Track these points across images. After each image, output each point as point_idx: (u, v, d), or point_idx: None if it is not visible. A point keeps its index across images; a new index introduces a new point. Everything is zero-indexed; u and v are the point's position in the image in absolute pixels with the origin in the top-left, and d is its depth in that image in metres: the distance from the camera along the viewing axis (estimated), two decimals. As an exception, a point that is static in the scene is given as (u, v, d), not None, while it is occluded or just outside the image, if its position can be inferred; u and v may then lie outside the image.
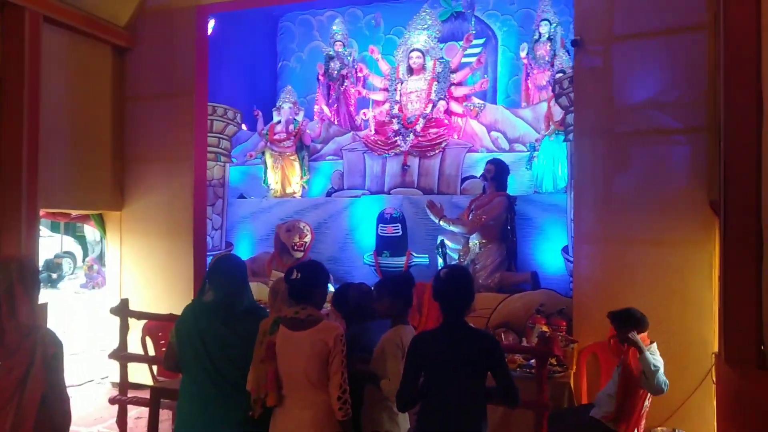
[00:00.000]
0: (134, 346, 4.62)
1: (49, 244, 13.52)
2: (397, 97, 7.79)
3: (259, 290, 6.00)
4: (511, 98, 9.10)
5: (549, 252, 6.15)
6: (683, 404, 3.89)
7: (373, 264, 6.68)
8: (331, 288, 5.96)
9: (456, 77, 7.78)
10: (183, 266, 5.43)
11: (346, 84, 9.02)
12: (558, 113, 6.41)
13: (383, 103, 8.07)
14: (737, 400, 3.09)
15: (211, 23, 6.86)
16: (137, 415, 4.73)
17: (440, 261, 6.29)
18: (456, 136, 7.67)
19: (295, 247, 6.50)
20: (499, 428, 3.68)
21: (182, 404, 2.70)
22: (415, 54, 7.70)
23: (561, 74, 6.76)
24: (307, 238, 6.60)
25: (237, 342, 2.59)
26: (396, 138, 7.52)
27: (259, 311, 2.79)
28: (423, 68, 7.72)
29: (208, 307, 2.65)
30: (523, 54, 8.43)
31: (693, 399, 3.92)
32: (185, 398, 2.68)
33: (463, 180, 7.29)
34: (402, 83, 7.82)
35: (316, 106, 9.17)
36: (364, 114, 8.41)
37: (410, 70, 7.78)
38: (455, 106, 7.74)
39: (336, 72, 9.02)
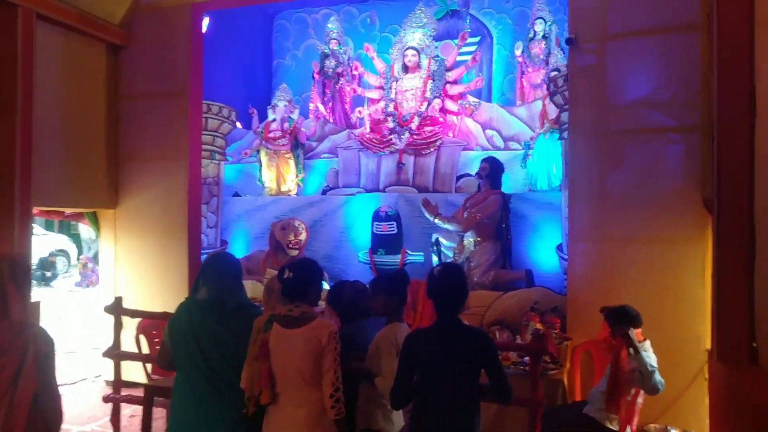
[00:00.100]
0: (128, 345, 4.61)
1: (44, 242, 13.47)
2: (393, 95, 7.80)
3: (254, 288, 6.00)
4: (506, 96, 9.12)
5: (543, 250, 6.17)
6: (676, 401, 3.90)
7: (368, 262, 6.68)
8: (325, 286, 5.98)
9: (451, 75, 7.79)
10: (177, 264, 5.42)
11: (341, 82, 9.02)
12: (553, 111, 6.43)
13: (378, 101, 8.08)
14: (730, 397, 3.11)
15: (206, 21, 6.85)
16: (131, 413, 4.72)
17: (435, 259, 6.30)
18: (451, 134, 7.67)
19: (290, 245, 6.49)
20: (494, 425, 3.69)
21: (176, 402, 2.70)
22: (410, 52, 7.70)
23: (556, 72, 6.77)
24: (302, 236, 6.60)
25: (231, 340, 2.59)
26: (391, 136, 7.52)
27: (252, 309, 2.79)
28: (418, 66, 7.72)
29: (202, 305, 2.64)
30: (518, 52, 8.45)
31: (686, 396, 3.94)
32: (179, 396, 2.68)
33: (458, 178, 7.30)
34: (397, 81, 7.82)
35: (311, 104, 9.16)
36: (360, 112, 8.41)
37: (405, 68, 7.79)
38: (450, 104, 7.75)
39: (331, 70, 9.01)
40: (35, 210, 5.10)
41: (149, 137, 5.59)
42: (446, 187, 7.25)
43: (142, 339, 4.60)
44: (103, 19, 5.42)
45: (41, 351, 2.34)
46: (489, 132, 7.74)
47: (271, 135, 7.94)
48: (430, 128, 7.46)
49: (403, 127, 7.47)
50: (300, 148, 8.09)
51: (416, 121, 7.46)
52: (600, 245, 4.39)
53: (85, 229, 13.41)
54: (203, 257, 5.75)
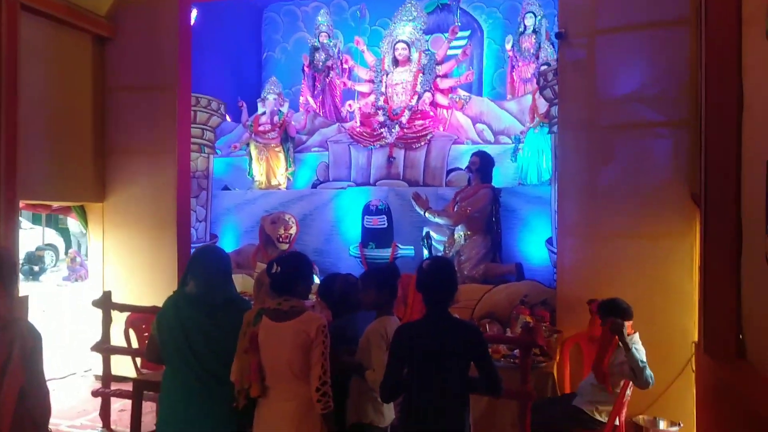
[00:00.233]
0: (117, 339, 4.58)
1: (31, 236, 13.32)
2: (383, 89, 7.77)
3: (244, 282, 5.99)
4: (497, 90, 9.13)
5: (533, 243, 6.20)
6: (664, 393, 3.94)
7: (358, 256, 6.68)
8: (316, 279, 5.98)
9: (441, 69, 7.78)
10: (167, 258, 5.38)
11: (331, 75, 8.98)
12: (543, 106, 6.44)
13: (369, 94, 8.05)
14: (716, 389, 3.15)
15: (194, 13, 6.78)
16: (121, 407, 4.70)
17: (426, 252, 6.31)
18: (441, 128, 7.68)
19: (281, 239, 6.47)
20: (484, 418, 3.71)
21: (165, 396, 2.69)
22: (400, 45, 7.68)
23: (546, 67, 6.79)
24: (292, 230, 6.58)
25: (219, 333, 2.58)
26: (382, 130, 7.51)
27: (241, 302, 2.77)
28: (408, 60, 7.70)
29: (190, 299, 2.63)
30: (508, 46, 8.46)
31: (673, 388, 3.98)
32: (168, 390, 2.67)
33: (449, 172, 7.31)
34: (387, 75, 7.80)
35: (301, 98, 9.12)
36: (350, 105, 8.38)
37: (396, 62, 7.77)
38: (441, 98, 7.74)
39: (321, 63, 8.97)
40: (22, 204, 5.04)
41: (137, 130, 5.54)
42: (437, 181, 7.26)
43: (132, 333, 4.58)
44: (89, 10, 5.35)
45: (28, 346, 2.31)
46: (479, 126, 7.74)
47: (261, 128, 7.90)
48: (420, 122, 7.45)
49: (394, 121, 7.46)
50: (290, 141, 8.05)
51: (407, 114, 7.45)
52: (589, 239, 4.42)
53: (74, 223, 13.26)
54: (192, 251, 5.72)
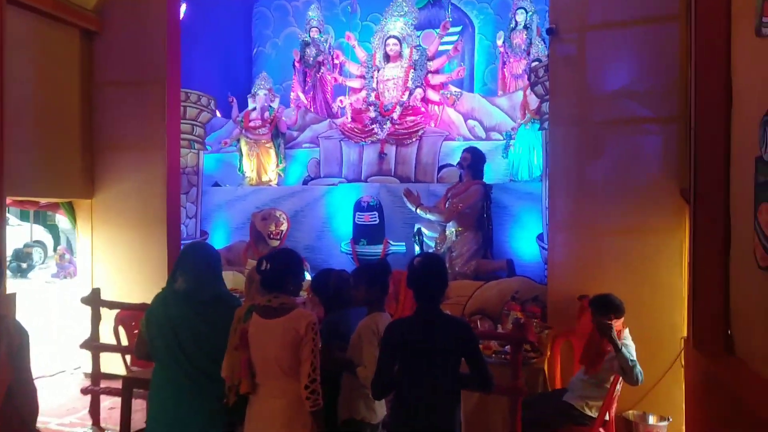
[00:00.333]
0: (107, 336, 4.55)
1: (19, 233, 13.20)
2: (374, 85, 7.76)
3: (234, 279, 5.96)
4: (488, 86, 9.14)
5: (524, 240, 6.21)
6: (653, 388, 3.97)
7: (350, 252, 6.67)
8: (307, 276, 5.96)
9: (433, 65, 7.77)
10: (156, 255, 5.34)
11: (322, 71, 8.95)
12: (534, 102, 6.45)
13: (360, 90, 8.03)
14: (705, 384, 3.17)
15: (183, 7, 6.72)
16: (110, 405, 4.67)
17: (417, 249, 6.32)
18: (433, 124, 7.67)
19: (271, 236, 6.45)
20: (475, 413, 3.72)
21: (154, 393, 2.68)
22: (391, 41, 7.66)
23: (537, 63, 6.79)
24: (283, 227, 6.55)
25: (208, 330, 2.57)
26: (373, 126, 7.49)
27: (230, 299, 2.76)
28: (400, 56, 7.68)
29: (179, 296, 2.61)
30: (499, 42, 8.46)
31: (663, 383, 4.01)
32: (157, 387, 2.65)
33: (440, 168, 7.31)
34: (379, 71, 7.78)
35: (292, 93, 9.08)
36: (341, 101, 8.36)
37: (387, 58, 7.75)
38: (432, 94, 7.73)
39: (312, 59, 8.93)
40: (9, 200, 4.98)
41: (126, 126, 5.49)
42: (428, 177, 7.26)
43: (121, 330, 4.54)
44: (76, 4, 5.28)
45: (15, 343, 2.28)
46: (471, 122, 7.75)
47: (251, 124, 7.86)
48: (411, 118, 7.45)
49: (385, 117, 7.45)
50: (281, 137, 8.02)
51: (398, 110, 7.44)
52: (579, 235, 4.43)
53: (63, 219, 13.15)
54: (182, 248, 5.69)
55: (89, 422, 4.42)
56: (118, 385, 4.14)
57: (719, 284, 3.14)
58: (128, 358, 4.40)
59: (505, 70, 8.41)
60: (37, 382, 2.38)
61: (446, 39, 8.12)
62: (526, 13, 8.13)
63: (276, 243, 6.44)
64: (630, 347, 3.39)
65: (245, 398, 2.49)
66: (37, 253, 13.20)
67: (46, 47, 5.17)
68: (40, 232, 14.32)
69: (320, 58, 8.93)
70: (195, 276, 2.62)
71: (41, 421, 4.12)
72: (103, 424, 4.42)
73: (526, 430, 3.36)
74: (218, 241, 7.37)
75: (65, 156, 5.38)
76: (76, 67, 5.46)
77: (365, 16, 9.83)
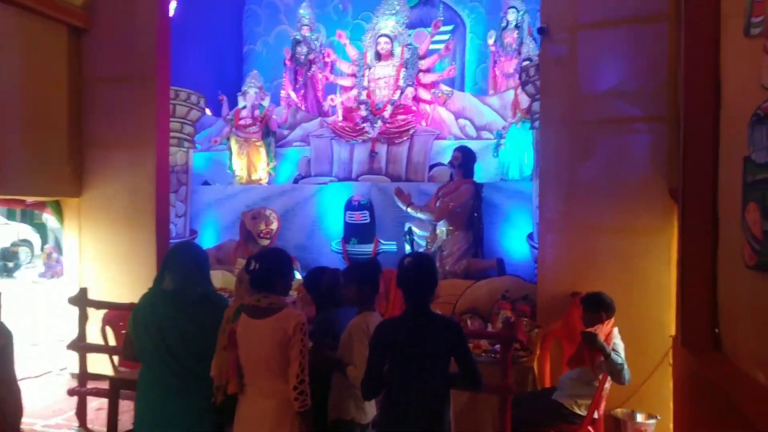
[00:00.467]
0: (94, 336, 4.50)
1: (5, 232, 13.06)
2: (365, 83, 7.74)
3: (224, 278, 5.93)
4: (479, 86, 9.15)
5: (515, 239, 6.23)
6: (642, 386, 3.99)
7: (340, 251, 6.66)
8: (297, 275, 5.93)
9: (424, 64, 7.76)
10: (145, 254, 5.30)
11: (313, 69, 8.92)
12: (525, 101, 6.46)
13: (351, 89, 8.01)
14: (693, 382, 3.19)
15: (173, 4, 6.67)
16: (98, 406, 4.63)
17: (408, 248, 6.31)
18: (424, 123, 7.67)
19: (261, 235, 6.42)
20: (465, 412, 3.72)
21: (141, 394, 2.65)
22: (383, 39, 7.64)
23: (528, 62, 6.80)
24: (274, 226, 6.53)
25: (194, 330, 2.55)
26: (364, 124, 7.48)
27: (218, 299, 2.74)
28: (391, 54, 7.67)
29: (166, 296, 2.60)
30: (490, 41, 8.47)
31: (651, 381, 4.03)
32: (144, 388, 2.63)
33: (431, 167, 7.31)
34: (370, 69, 7.76)
35: (282, 92, 9.05)
36: (332, 100, 8.33)
37: (378, 56, 7.73)
38: (423, 93, 7.73)
39: (303, 57, 8.90)
40: (-6, 199, 4.93)
41: (114, 123, 5.43)
42: (419, 176, 7.26)
43: (109, 330, 4.50)
44: (64, 0, 5.22)
45: (-1, 345, 2.26)
46: (462, 121, 7.75)
47: (242, 122, 7.82)
48: (403, 117, 7.44)
49: (376, 116, 7.44)
50: (271, 136, 7.98)
51: (389, 109, 7.43)
52: (569, 234, 4.44)
53: (51, 218, 13.03)
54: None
55: (76, 423, 4.38)
56: (105, 386, 4.10)
57: (707, 283, 3.15)
58: (116, 358, 4.36)
59: (496, 69, 8.43)
60: (23, 383, 2.36)
61: (437, 38, 8.12)
62: (517, 12, 8.15)
63: (266, 242, 6.41)
64: (619, 346, 3.41)
65: (234, 398, 2.48)
66: (24, 253, 13.08)
67: (34, 44, 5.11)
68: (28, 231, 14.17)
69: (311, 57, 8.90)
70: (182, 276, 2.60)
71: (27, 422, 4.08)
72: (90, 426, 4.38)
73: (515, 428, 3.37)
74: (208, 239, 7.33)
75: (52, 154, 5.32)
76: (64, 64, 5.40)
77: (356, 15, 9.81)
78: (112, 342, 4.48)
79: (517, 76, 7.06)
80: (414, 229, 6.31)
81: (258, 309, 2.43)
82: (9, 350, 2.29)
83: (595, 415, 3.46)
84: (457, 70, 8.85)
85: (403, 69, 7.59)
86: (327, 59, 8.82)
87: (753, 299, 2.47)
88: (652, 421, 3.86)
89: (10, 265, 12.37)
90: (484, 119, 7.68)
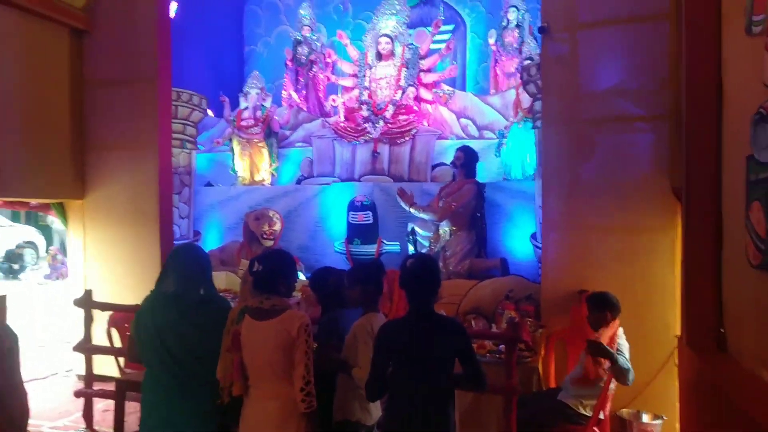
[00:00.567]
0: (100, 338, 4.51)
1: (10, 234, 13.10)
2: (367, 84, 7.74)
3: (228, 280, 5.94)
4: (480, 85, 9.14)
5: (518, 238, 6.22)
6: (647, 386, 3.98)
7: (344, 252, 6.67)
8: (301, 276, 5.93)
9: (425, 63, 7.76)
10: (149, 256, 5.31)
11: (314, 69, 8.93)
12: (526, 100, 6.46)
13: (352, 89, 8.01)
14: (698, 382, 3.18)
15: (174, 6, 6.68)
16: (104, 407, 4.64)
17: (411, 248, 6.31)
18: (426, 123, 7.67)
19: (265, 236, 6.43)
20: (469, 413, 3.72)
21: (146, 396, 2.67)
22: (383, 39, 7.64)
23: (529, 61, 6.79)
24: (277, 227, 6.53)
25: (195, 332, 2.55)
26: (366, 125, 7.48)
27: (219, 301, 2.74)
28: (392, 54, 7.67)
29: (166, 299, 2.60)
30: (491, 41, 8.46)
31: (656, 381, 4.02)
32: (148, 390, 2.65)
33: (433, 167, 7.31)
34: (371, 69, 7.76)
35: (284, 92, 9.05)
36: (333, 100, 8.33)
37: (379, 56, 7.73)
38: (425, 93, 7.73)
39: (304, 57, 8.90)
40: (-1, 201, 4.95)
41: (117, 125, 5.44)
42: (421, 176, 7.26)
43: (114, 332, 4.51)
44: (65, 2, 5.23)
45: (3, 347, 2.25)
46: (463, 121, 7.75)
47: (244, 123, 7.83)
48: (404, 117, 7.44)
49: (378, 116, 7.44)
50: (273, 136, 7.99)
51: (391, 109, 7.43)
52: (572, 233, 4.44)
53: (57, 220, 13.07)
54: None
55: (83, 425, 4.39)
56: (111, 387, 4.12)
57: (712, 282, 3.14)
58: (121, 360, 4.37)
59: (497, 68, 8.42)
60: (29, 385, 2.37)
61: (438, 37, 8.12)
62: (518, 11, 8.14)
63: (269, 243, 6.42)
64: (624, 346, 3.40)
65: (240, 399, 2.49)
66: (28, 254, 13.11)
67: (35, 46, 5.12)
68: (32, 233, 14.21)
69: (312, 57, 8.91)
70: (183, 278, 2.61)
71: (34, 424, 4.10)
72: (96, 427, 4.39)
73: (520, 429, 3.36)
74: (211, 241, 7.34)
75: (55, 156, 5.33)
76: (66, 67, 5.42)
77: (357, 15, 9.81)
78: (117, 344, 4.49)
79: (519, 75, 7.05)
80: (417, 229, 6.31)
81: (261, 311, 2.44)
82: (15, 353, 2.28)
83: (601, 416, 3.45)
84: (458, 69, 8.84)
85: (404, 69, 7.59)
86: (328, 59, 8.83)
87: (758, 298, 2.46)
88: (658, 421, 3.86)
89: (15, 266, 12.41)
90: (486, 119, 7.67)
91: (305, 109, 8.76)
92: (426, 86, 7.76)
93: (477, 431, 3.73)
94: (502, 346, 3.77)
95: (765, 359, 2.38)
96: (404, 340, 2.41)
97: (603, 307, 3.48)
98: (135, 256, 5.34)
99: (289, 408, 2.38)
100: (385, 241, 6.58)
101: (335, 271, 3.15)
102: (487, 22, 9.13)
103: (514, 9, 8.15)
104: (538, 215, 5.48)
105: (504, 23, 8.26)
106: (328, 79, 8.82)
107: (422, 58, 7.74)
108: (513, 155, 6.88)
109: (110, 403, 4.21)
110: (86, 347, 4.38)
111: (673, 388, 3.91)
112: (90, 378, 4.38)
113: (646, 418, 3.91)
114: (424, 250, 6.15)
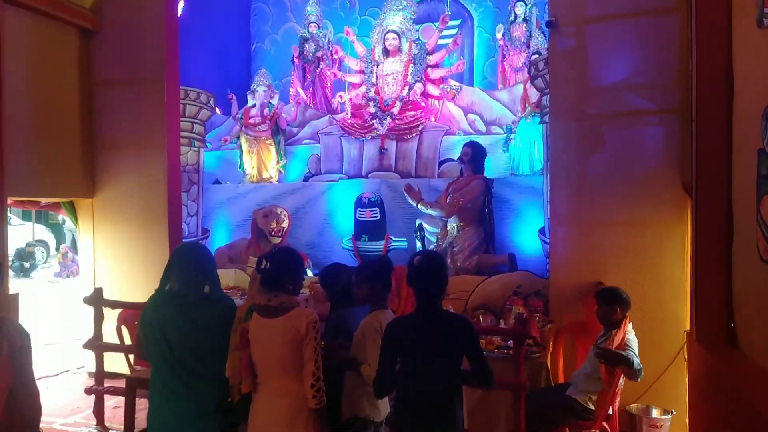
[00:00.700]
0: (110, 335, 4.55)
1: (21, 232, 13.23)
2: (374, 80, 7.73)
3: (237, 277, 5.97)
4: (488, 80, 9.11)
5: (526, 234, 6.20)
6: (657, 381, 3.97)
7: (351, 249, 6.67)
8: (309, 273, 5.95)
9: (432, 59, 7.73)
10: (158, 254, 5.33)
11: (321, 66, 8.92)
12: (534, 95, 6.42)
13: (359, 85, 8.00)
14: (708, 377, 3.17)
15: (181, 4, 6.70)
16: (114, 404, 4.68)
17: (419, 245, 6.30)
18: (433, 119, 7.65)
19: (273, 233, 6.44)
20: (478, 409, 3.72)
21: (152, 394, 2.68)
22: (390, 35, 7.62)
23: (537, 56, 6.76)
24: (285, 224, 6.55)
25: (195, 331, 2.56)
26: (373, 121, 7.47)
27: (221, 299, 2.73)
28: (399, 50, 7.65)
29: (170, 296, 2.62)
30: (499, 35, 8.42)
31: (666, 376, 4.01)
32: (154, 388, 2.66)
33: (441, 163, 7.30)
34: (378, 65, 7.74)
35: (291, 89, 9.06)
36: (341, 97, 8.33)
37: (386, 52, 7.72)
38: (432, 89, 7.70)
39: (311, 54, 8.90)
40: (10, 200, 4.98)
41: (125, 124, 5.48)
42: (429, 172, 7.25)
43: (124, 330, 4.55)
44: (73, 2, 5.27)
45: (16, 345, 2.29)
46: (471, 116, 7.72)
47: (251, 121, 7.85)
48: (411, 113, 7.42)
49: (385, 112, 7.43)
50: (281, 134, 8.00)
51: (398, 105, 7.41)
52: (581, 228, 4.42)
53: (68, 219, 13.18)
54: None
55: (93, 422, 4.43)
56: (122, 384, 4.15)
57: (722, 277, 3.13)
58: (132, 357, 4.41)
59: (504, 63, 8.38)
60: (40, 382, 2.39)
61: (445, 33, 8.08)
62: (526, 5, 8.09)
63: (277, 240, 6.44)
64: (633, 342, 3.39)
65: (248, 397, 2.50)
66: (39, 253, 13.24)
67: (44, 46, 5.16)
68: (43, 232, 14.35)
69: (319, 54, 8.90)
70: (185, 277, 2.61)
71: (46, 421, 4.14)
72: (107, 424, 4.43)
73: (529, 424, 3.36)
74: (220, 238, 7.37)
75: (65, 156, 5.37)
76: (75, 66, 5.45)
77: (364, 11, 9.79)
78: (127, 341, 4.53)
79: (526, 69, 7.02)
80: (425, 225, 6.30)
81: (269, 308, 2.45)
82: (27, 351, 2.32)
83: (610, 411, 3.45)
84: (466, 64, 8.80)
85: (412, 65, 7.57)
86: (335, 56, 8.82)
87: (768, 293, 2.45)
88: (667, 416, 3.84)
89: (26, 265, 12.53)
90: (494, 114, 7.64)
91: (312, 106, 8.76)
92: (433, 82, 7.73)
93: (485, 427, 3.72)
94: (510, 342, 3.77)
95: (776, 354, 2.37)
96: (412, 337, 2.42)
97: (613, 302, 3.47)
98: (144, 254, 5.38)
99: (299, 404, 2.39)
100: (392, 238, 6.57)
101: (346, 268, 3.14)
102: (495, 17, 9.09)
103: (521, 3, 8.10)
104: (546, 210, 5.46)
105: (511, 18, 8.21)
106: (335, 75, 8.82)
107: (429, 53, 7.71)
108: (521, 150, 6.85)
109: (121, 400, 4.25)
110: (96, 345, 4.42)
111: (682, 383, 3.90)
112: (100, 375, 4.41)
113: (655, 412, 3.90)
114: (431, 247, 6.14)
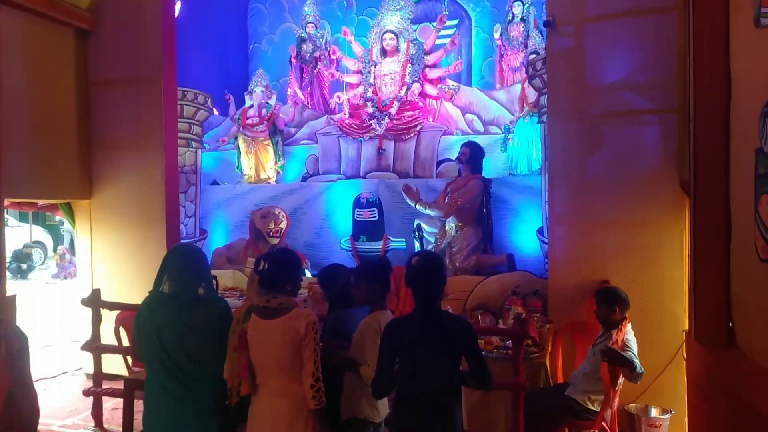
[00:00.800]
0: (108, 337, 4.54)
1: (18, 234, 13.19)
2: (371, 80, 7.72)
3: (235, 277, 5.96)
4: (486, 80, 9.11)
5: (524, 234, 6.20)
6: (655, 381, 3.97)
7: (350, 249, 6.66)
8: (307, 273, 5.94)
9: (430, 59, 7.73)
10: (156, 255, 5.28)
11: (319, 67, 8.92)
12: (532, 95, 6.43)
13: (357, 86, 8.00)
14: (707, 376, 3.17)
15: (178, 5, 6.69)
16: (113, 406, 4.67)
17: (417, 245, 6.30)
18: (431, 119, 7.65)
19: (271, 234, 6.44)
20: (477, 409, 3.72)
21: (148, 396, 2.67)
22: (388, 36, 7.62)
23: (534, 55, 6.76)
24: (283, 224, 6.54)
25: (189, 332, 2.55)
26: (371, 121, 7.47)
27: (214, 300, 2.72)
28: (397, 50, 7.65)
29: (163, 298, 2.61)
30: (496, 35, 8.42)
31: (664, 376, 4.01)
32: (149, 390, 2.65)
33: (439, 163, 7.30)
34: (376, 65, 7.74)
35: (289, 90, 9.05)
36: (338, 97, 8.32)
37: (384, 52, 7.71)
38: (430, 89, 7.70)
39: (309, 54, 8.90)
40: (6, 202, 4.97)
41: (123, 125, 5.46)
42: (427, 173, 7.25)
43: (122, 331, 4.53)
44: (70, 3, 5.25)
45: (14, 347, 2.28)
46: (469, 116, 7.72)
47: (249, 121, 7.84)
48: (409, 113, 7.42)
49: (383, 112, 7.43)
50: (278, 134, 8.00)
51: (396, 105, 7.41)
52: (579, 228, 4.42)
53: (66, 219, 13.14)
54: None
55: (92, 423, 4.42)
56: (120, 385, 4.14)
57: (720, 276, 3.13)
58: (129, 359, 4.39)
59: (502, 63, 8.38)
60: (39, 384, 2.38)
61: (443, 33, 8.08)
62: (523, 5, 8.09)
63: (275, 240, 6.43)
64: (632, 342, 3.39)
65: (247, 398, 2.49)
66: (37, 254, 13.21)
67: (41, 47, 5.14)
68: (40, 233, 14.31)
69: (317, 54, 8.90)
70: (178, 278, 2.61)
71: (44, 422, 4.13)
72: (106, 425, 4.42)
73: (528, 425, 3.36)
74: (218, 239, 7.37)
75: (62, 157, 5.36)
76: (72, 67, 5.44)
77: (361, 11, 9.79)
78: (125, 342, 4.51)
79: (524, 69, 7.02)
80: (423, 225, 6.30)
81: (268, 309, 2.44)
82: (25, 353, 2.31)
83: (609, 411, 3.44)
84: (464, 64, 8.81)
85: (409, 65, 7.57)
86: (333, 56, 8.82)
87: (767, 292, 2.45)
88: (666, 416, 3.84)
89: (24, 266, 12.50)
90: (492, 114, 7.64)
91: (310, 106, 8.76)
92: (431, 82, 7.73)
93: (485, 427, 3.72)
94: (509, 342, 3.77)
95: (775, 354, 2.37)
96: (411, 338, 2.41)
97: (612, 302, 3.47)
98: (142, 255, 5.36)
99: (298, 405, 2.39)
100: (391, 238, 6.57)
101: (345, 269, 3.14)
102: (492, 17, 9.09)
103: (519, 3, 8.10)
104: (545, 210, 5.46)
105: (509, 17, 8.22)
106: (333, 76, 8.81)
107: (427, 53, 7.71)
108: (519, 150, 6.85)
109: (119, 402, 4.24)
110: (94, 346, 4.40)
111: (681, 383, 3.90)
112: (99, 377, 4.40)
113: (654, 412, 3.90)
114: (430, 247, 6.14)
